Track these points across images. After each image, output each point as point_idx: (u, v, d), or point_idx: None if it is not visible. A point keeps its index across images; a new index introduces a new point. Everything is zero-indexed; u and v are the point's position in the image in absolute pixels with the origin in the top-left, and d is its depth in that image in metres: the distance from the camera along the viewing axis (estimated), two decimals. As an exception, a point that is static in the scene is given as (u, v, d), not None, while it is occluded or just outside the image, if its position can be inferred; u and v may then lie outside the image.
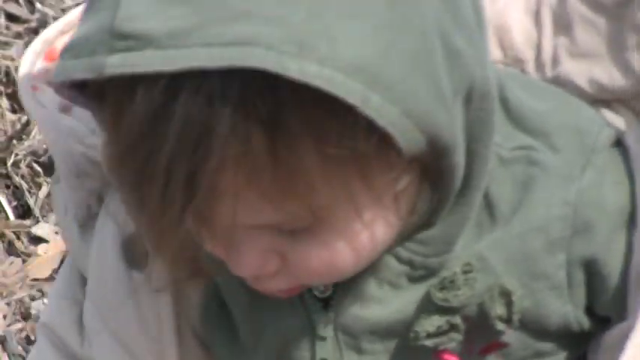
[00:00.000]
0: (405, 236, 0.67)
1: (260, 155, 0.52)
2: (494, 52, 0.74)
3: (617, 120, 0.72)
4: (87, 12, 0.57)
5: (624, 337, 0.66)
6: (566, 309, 0.69)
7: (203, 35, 0.50)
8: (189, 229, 0.56)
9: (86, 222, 0.80)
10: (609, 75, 0.72)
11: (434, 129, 0.56)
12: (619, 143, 0.71)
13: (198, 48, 0.50)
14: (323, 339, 0.71)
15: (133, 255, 0.76)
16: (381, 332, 0.71)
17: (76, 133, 0.75)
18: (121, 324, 0.78)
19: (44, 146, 1.82)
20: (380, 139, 0.53)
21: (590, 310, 0.70)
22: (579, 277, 0.68)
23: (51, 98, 0.76)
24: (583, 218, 0.68)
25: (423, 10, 0.56)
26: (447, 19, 0.58)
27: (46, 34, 0.77)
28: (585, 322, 0.70)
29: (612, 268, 0.69)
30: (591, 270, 0.68)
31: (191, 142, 0.51)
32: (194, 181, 0.53)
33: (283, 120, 0.51)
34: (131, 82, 0.51)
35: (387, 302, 0.70)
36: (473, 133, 0.63)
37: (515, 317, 0.67)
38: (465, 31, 0.59)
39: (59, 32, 0.76)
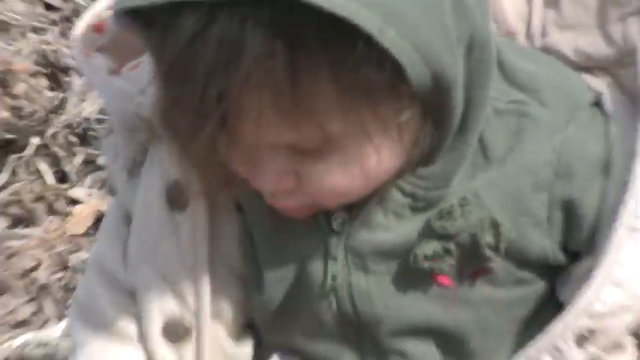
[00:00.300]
0: (408, 169, 0.71)
1: (282, 76, 0.56)
2: None
3: (597, 83, 0.78)
4: None
5: (589, 271, 0.71)
6: (545, 243, 0.74)
7: None
8: (220, 147, 0.64)
9: (133, 169, 0.85)
10: (593, 45, 0.77)
11: (439, 66, 0.60)
12: (598, 104, 0.77)
13: None
14: (334, 258, 0.76)
15: (174, 198, 0.80)
16: (385, 254, 0.75)
17: (126, 92, 0.81)
18: (161, 257, 0.81)
19: (77, 120, 1.88)
20: (391, 71, 0.57)
21: (565, 246, 0.76)
22: (558, 215, 0.74)
23: (101, 64, 0.84)
24: (566, 164, 0.73)
25: None
26: None
27: (95, 9, 0.83)
28: (560, 257, 0.76)
29: (587, 209, 0.74)
30: (569, 210, 0.74)
31: (224, 59, 0.56)
32: (225, 97, 0.57)
33: (305, 44, 0.55)
34: (176, 9, 0.56)
35: (392, 229, 0.74)
36: (472, 80, 0.67)
37: (502, 246, 0.72)
38: None
39: (106, 8, 0.82)
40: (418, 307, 0.77)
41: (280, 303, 0.81)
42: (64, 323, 1.57)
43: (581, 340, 0.72)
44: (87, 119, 1.91)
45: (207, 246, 0.82)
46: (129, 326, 0.85)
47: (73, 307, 0.94)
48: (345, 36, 0.55)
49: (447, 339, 0.79)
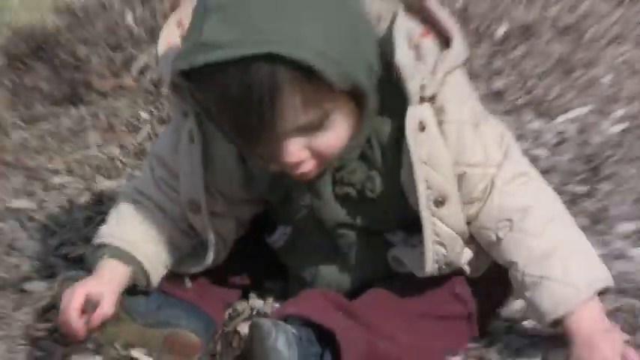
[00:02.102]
0: (353, 137, 1.23)
1: (298, 94, 1.09)
2: None
3: None
4: (186, 36, 1.17)
5: None
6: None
7: (246, 42, 1.06)
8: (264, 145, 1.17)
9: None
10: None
11: (358, 79, 1.14)
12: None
13: (246, 47, 1.05)
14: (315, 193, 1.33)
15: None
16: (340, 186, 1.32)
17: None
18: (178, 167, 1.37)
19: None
20: (341, 92, 1.14)
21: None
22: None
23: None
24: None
25: (356, 18, 1.17)
26: (365, 22, 1.20)
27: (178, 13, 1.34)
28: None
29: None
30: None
31: (261, 94, 1.08)
32: (272, 112, 1.10)
33: (305, 79, 1.08)
34: (209, 68, 1.08)
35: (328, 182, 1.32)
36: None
37: (378, 189, 1.28)
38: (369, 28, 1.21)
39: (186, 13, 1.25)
40: (345, 213, 1.35)
41: (279, 202, 1.40)
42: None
43: None
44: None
45: (203, 178, 1.34)
46: (168, 202, 1.41)
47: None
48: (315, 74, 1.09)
49: (359, 229, 1.38)
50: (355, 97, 1.20)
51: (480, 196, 1.26)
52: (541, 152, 2.03)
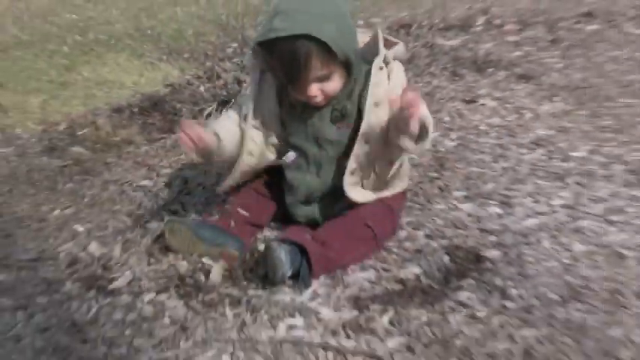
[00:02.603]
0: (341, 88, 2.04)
1: (319, 59, 1.93)
2: None
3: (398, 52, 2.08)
4: (264, 23, 1.95)
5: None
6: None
7: (294, 29, 1.87)
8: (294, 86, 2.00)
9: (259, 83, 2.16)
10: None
11: (349, 55, 1.97)
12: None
13: (294, 31, 1.86)
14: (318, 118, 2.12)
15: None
16: (332, 117, 2.10)
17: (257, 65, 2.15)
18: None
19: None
20: (339, 61, 1.96)
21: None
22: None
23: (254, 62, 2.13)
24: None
25: (347, 17, 1.98)
26: (352, 25, 2.01)
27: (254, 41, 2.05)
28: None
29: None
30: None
31: (300, 56, 1.91)
32: (306, 66, 1.93)
33: (322, 52, 1.92)
34: (274, 41, 1.90)
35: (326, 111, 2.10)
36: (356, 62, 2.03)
37: (351, 110, 2.07)
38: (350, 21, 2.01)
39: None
40: (334, 131, 2.07)
41: (292, 130, 2.13)
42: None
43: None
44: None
45: (252, 113, 2.14)
46: (237, 118, 2.16)
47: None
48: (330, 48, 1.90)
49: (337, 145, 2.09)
50: (346, 64, 1.98)
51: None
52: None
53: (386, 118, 1.97)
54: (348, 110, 2.06)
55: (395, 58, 2.04)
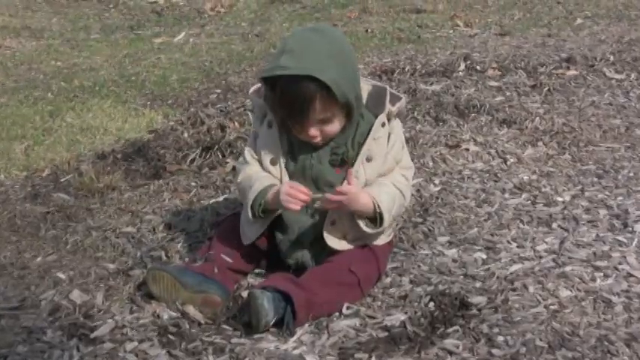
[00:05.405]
0: (339, 133, 2.14)
1: (321, 102, 2.04)
2: None
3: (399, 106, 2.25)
4: (271, 60, 2.11)
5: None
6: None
7: (299, 69, 1.99)
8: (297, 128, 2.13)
9: (268, 124, 2.25)
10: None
11: (350, 99, 2.08)
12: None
13: (299, 71, 2.00)
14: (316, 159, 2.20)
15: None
16: (329, 158, 2.22)
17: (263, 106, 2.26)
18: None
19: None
20: (340, 104, 2.08)
21: None
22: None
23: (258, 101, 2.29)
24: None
25: (352, 62, 2.16)
26: (356, 70, 2.17)
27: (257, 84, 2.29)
28: None
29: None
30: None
31: (303, 97, 2.03)
32: (307, 109, 2.05)
33: (324, 94, 2.03)
34: (279, 79, 2.05)
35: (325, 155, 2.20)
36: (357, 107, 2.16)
37: (351, 156, 2.19)
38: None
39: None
40: (329, 174, 2.17)
41: (291, 170, 2.20)
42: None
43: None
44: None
45: (279, 144, 2.25)
46: (259, 167, 2.23)
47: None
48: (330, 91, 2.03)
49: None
50: (347, 109, 2.09)
51: (388, 167, 2.18)
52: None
53: (375, 177, 2.13)
54: (349, 156, 2.15)
55: (398, 115, 2.18)
